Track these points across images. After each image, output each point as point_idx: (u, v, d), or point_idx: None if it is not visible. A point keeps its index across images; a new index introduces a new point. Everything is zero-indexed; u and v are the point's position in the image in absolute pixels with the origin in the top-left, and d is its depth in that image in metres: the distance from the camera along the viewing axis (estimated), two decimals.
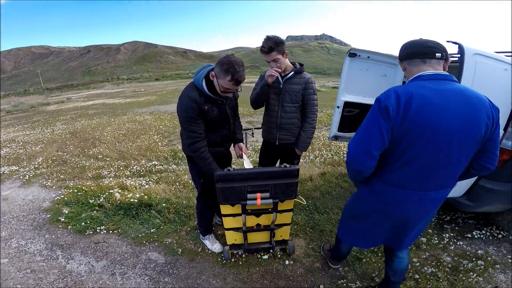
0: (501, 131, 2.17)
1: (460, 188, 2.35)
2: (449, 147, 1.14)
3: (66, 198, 3.18)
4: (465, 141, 1.14)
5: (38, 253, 2.33)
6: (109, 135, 6.35)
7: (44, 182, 3.75)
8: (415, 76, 1.22)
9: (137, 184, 3.46)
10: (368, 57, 3.23)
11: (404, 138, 1.16)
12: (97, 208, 2.91)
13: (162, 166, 4.23)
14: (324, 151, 4.82)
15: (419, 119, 1.11)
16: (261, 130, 2.50)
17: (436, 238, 2.39)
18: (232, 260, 2.15)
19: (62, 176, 3.96)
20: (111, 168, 4.18)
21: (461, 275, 1.98)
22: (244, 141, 2.46)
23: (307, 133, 2.24)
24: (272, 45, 1.94)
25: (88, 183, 3.52)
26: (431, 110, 1.10)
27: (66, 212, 2.87)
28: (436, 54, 1.19)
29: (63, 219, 2.75)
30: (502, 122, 2.17)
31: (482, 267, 2.05)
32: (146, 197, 2.92)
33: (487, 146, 1.21)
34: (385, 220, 1.43)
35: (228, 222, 1.93)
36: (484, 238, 2.42)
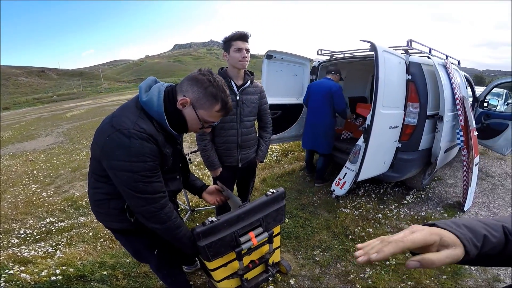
0: (402, 112, 2.69)
1: (386, 164, 2.80)
2: (317, 99, 3.21)
3: None
4: (319, 97, 3.19)
5: None
6: None
7: None
8: (323, 78, 3.35)
9: (40, 252, 2.45)
10: (282, 58, 3.42)
11: (309, 96, 3.32)
12: None
13: (65, 221, 3.15)
14: None
15: (312, 90, 3.29)
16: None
17: (388, 212, 2.77)
18: None
19: None
20: None
21: None
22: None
23: (268, 142, 2.14)
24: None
25: None
26: (315, 87, 3.29)
27: None
28: (331, 72, 3.27)
29: None
30: (401, 104, 2.71)
31: None
32: (71, 269, 2.06)
33: (334, 101, 3.09)
34: (309, 130, 3.36)
35: (219, 274, 1.56)
36: (415, 201, 2.98)
